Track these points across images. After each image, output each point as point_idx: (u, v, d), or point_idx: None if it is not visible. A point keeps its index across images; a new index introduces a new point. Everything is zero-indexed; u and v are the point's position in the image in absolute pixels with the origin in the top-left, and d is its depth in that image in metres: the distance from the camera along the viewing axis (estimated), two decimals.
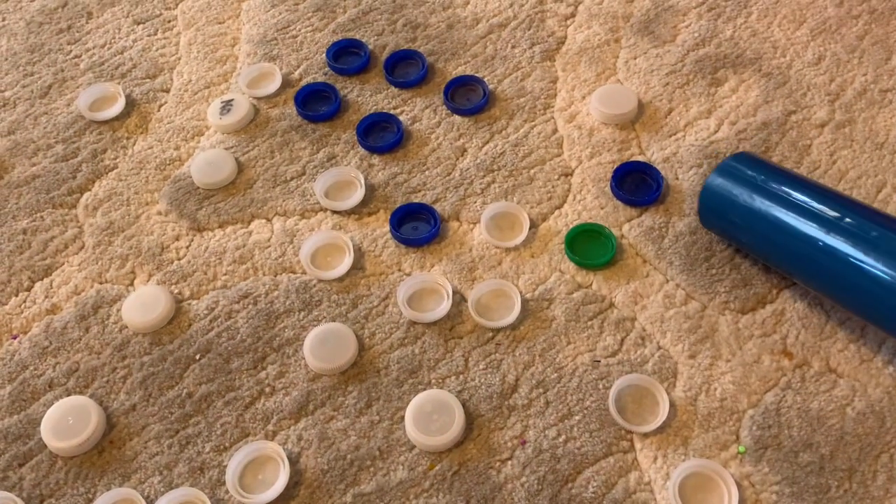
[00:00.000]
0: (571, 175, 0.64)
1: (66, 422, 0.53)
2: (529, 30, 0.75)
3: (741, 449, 0.50)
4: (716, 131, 0.66)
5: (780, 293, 0.57)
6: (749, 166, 0.56)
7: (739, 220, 0.55)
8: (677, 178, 0.63)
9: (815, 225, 0.52)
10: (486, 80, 0.71)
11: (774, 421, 0.51)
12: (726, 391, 0.53)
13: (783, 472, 0.49)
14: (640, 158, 0.65)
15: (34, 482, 0.52)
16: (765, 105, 0.67)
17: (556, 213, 0.62)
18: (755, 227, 0.54)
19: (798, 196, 0.53)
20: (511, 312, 0.57)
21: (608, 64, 0.72)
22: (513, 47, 0.73)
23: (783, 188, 0.54)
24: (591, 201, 0.63)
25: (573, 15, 0.76)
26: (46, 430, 0.53)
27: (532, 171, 0.65)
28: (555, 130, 0.67)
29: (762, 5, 0.75)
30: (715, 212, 0.56)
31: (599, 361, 0.54)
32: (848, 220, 0.51)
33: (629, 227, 0.61)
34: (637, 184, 0.63)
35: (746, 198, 0.54)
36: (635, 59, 0.72)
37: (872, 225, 0.50)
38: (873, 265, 0.49)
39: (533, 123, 0.68)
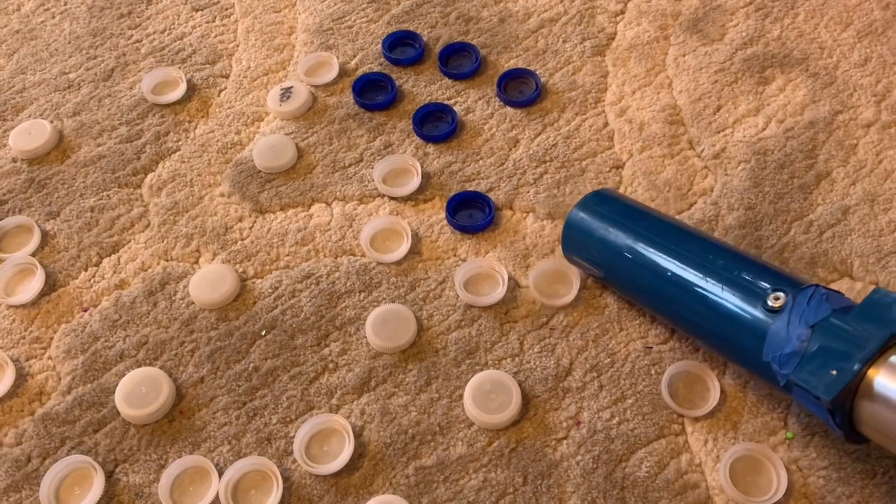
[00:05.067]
0: (622, 168, 0.66)
1: (139, 391, 0.56)
2: (580, 25, 0.76)
3: (789, 435, 0.52)
4: (764, 129, 0.68)
5: None
6: (606, 202, 0.58)
7: (597, 253, 0.57)
8: (727, 174, 0.65)
9: (663, 257, 0.53)
10: (538, 73, 0.72)
11: None
12: None
13: (830, 458, 0.51)
14: (690, 154, 0.67)
15: (109, 447, 0.55)
16: (812, 104, 0.69)
17: None
18: (611, 259, 0.56)
19: (648, 231, 0.55)
20: (570, 292, 0.59)
21: (658, 60, 0.73)
22: (564, 42, 0.75)
23: (634, 223, 0.56)
24: (643, 194, 0.64)
25: (623, 12, 0.77)
26: (120, 399, 0.56)
27: (583, 163, 0.67)
28: (605, 124, 0.69)
29: (809, 7, 0.76)
30: (576, 244, 0.58)
31: (652, 348, 0.56)
32: (692, 253, 0.53)
33: (680, 220, 0.63)
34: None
35: (603, 232, 0.56)
36: (684, 56, 0.73)
37: (713, 256, 0.52)
38: (715, 294, 0.51)
39: (584, 117, 0.70)
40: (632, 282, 0.56)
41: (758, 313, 0.49)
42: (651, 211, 0.58)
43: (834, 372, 0.45)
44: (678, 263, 0.53)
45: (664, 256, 0.54)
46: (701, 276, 0.52)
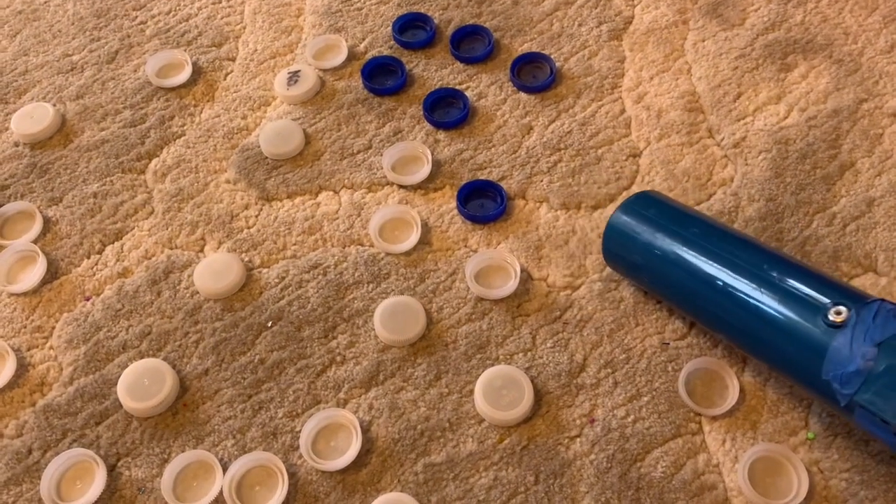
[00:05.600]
0: (640, 156, 0.64)
1: (141, 383, 0.54)
2: (596, 8, 0.74)
3: (810, 435, 0.51)
4: (785, 117, 0.65)
5: (849, 282, 0.57)
6: (652, 205, 0.55)
7: (641, 259, 0.54)
8: (747, 164, 0.63)
9: (714, 265, 0.50)
10: (552, 57, 0.70)
11: None
12: None
13: (853, 460, 0.49)
14: (709, 142, 0.65)
15: (111, 440, 0.53)
16: (836, 92, 0.66)
17: (624, 194, 0.62)
18: (657, 266, 0.53)
19: (697, 237, 0.52)
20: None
21: (676, 45, 0.71)
22: (579, 25, 0.73)
23: (683, 228, 0.53)
24: (660, 183, 0.62)
25: None
26: (123, 391, 0.54)
27: (599, 151, 0.65)
28: (622, 111, 0.67)
29: None
30: (619, 248, 0.55)
31: (668, 344, 0.55)
32: (744, 261, 0.50)
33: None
34: None
35: (648, 237, 0.53)
36: (703, 41, 0.71)
37: (768, 266, 0.49)
38: (769, 305, 0.48)
39: (600, 103, 0.68)
40: (680, 291, 0.53)
41: (817, 328, 0.46)
42: (699, 215, 0.55)
43: None
44: (730, 273, 0.50)
45: (715, 265, 0.50)
46: (755, 286, 0.49)
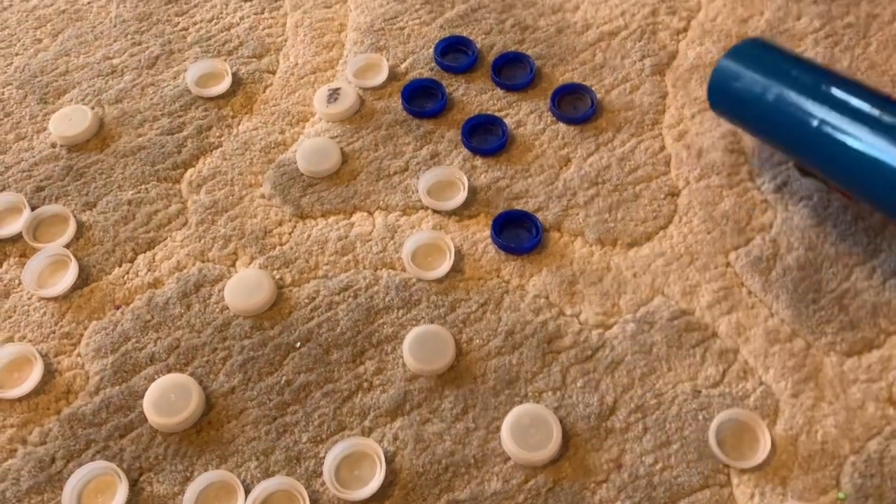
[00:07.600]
0: (678, 196, 0.64)
1: (168, 398, 0.54)
2: (640, 41, 0.73)
3: (841, 495, 0.50)
4: None
5: (888, 339, 0.56)
6: (763, 51, 0.59)
7: (749, 99, 0.58)
8: (787, 210, 0.62)
9: (825, 106, 0.54)
10: (593, 89, 0.70)
11: (877, 470, 0.51)
12: (828, 434, 0.52)
13: None
14: (750, 185, 0.64)
15: (134, 454, 0.53)
16: None
17: (661, 233, 0.62)
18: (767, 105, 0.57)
19: (809, 80, 0.56)
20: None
21: None
22: (623, 58, 0.73)
23: (795, 73, 0.57)
24: (698, 225, 0.62)
25: (685, 29, 0.74)
26: (149, 405, 0.54)
27: (637, 188, 0.64)
28: (662, 147, 0.66)
29: (882, 37, 0.73)
30: (726, 93, 0.59)
31: (701, 392, 0.54)
32: (859, 103, 0.53)
33: (735, 255, 0.60)
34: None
35: (759, 80, 0.57)
36: None
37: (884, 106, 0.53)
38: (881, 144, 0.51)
39: (640, 138, 0.67)
40: (797, 126, 0.56)
41: None
42: (808, 61, 0.58)
43: None
44: (856, 100, 0.53)
45: (833, 104, 0.54)
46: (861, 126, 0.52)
